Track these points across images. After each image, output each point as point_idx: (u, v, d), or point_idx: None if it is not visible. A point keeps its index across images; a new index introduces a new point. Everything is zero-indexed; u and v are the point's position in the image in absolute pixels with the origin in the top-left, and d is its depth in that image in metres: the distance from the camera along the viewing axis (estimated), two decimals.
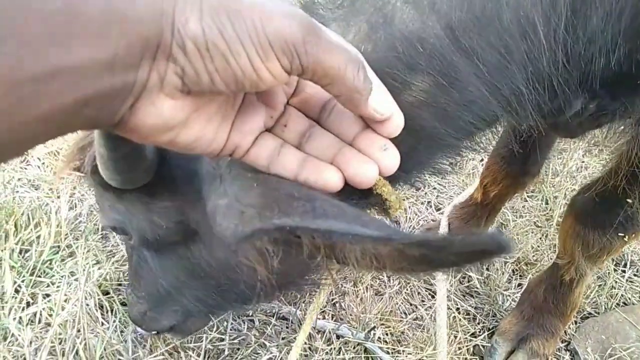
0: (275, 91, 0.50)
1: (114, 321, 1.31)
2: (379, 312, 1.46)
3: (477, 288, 1.61)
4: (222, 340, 1.33)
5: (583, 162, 2.11)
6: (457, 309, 1.52)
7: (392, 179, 0.54)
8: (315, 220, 0.45)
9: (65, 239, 1.48)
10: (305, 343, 1.35)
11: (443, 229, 1.62)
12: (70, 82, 0.34)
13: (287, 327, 1.40)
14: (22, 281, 1.36)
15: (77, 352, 1.21)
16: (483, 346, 1.46)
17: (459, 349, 1.41)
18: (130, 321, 1.30)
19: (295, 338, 1.35)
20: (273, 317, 1.41)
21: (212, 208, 0.56)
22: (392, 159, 0.49)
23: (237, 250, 0.65)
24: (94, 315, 1.30)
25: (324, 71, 0.42)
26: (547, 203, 1.94)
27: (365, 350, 1.38)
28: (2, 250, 1.39)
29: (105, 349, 1.23)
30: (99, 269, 1.40)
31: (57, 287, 1.36)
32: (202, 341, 1.31)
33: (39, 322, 1.29)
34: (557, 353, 1.48)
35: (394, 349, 1.39)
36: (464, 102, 0.65)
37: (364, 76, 0.45)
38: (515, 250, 1.72)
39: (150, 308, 0.98)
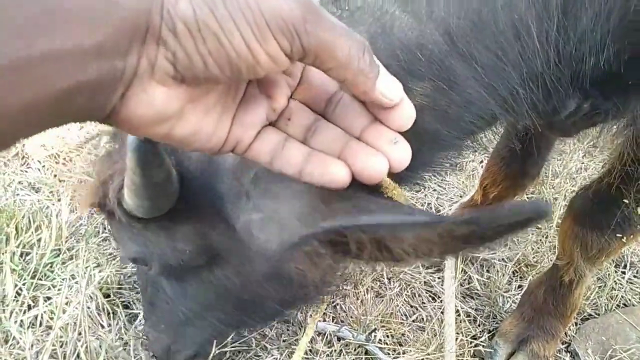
0: (277, 83, 0.47)
1: (116, 324, 1.31)
2: (379, 314, 1.46)
3: (477, 290, 1.62)
4: (224, 343, 1.33)
5: (583, 163, 2.12)
6: (458, 310, 1.52)
7: (398, 179, 0.54)
8: (361, 217, 0.45)
9: (66, 241, 1.48)
10: (306, 345, 1.35)
11: None
12: (55, 70, 0.32)
13: (288, 330, 1.40)
14: (23, 284, 1.36)
15: (78, 355, 1.21)
16: (483, 347, 1.46)
17: (461, 350, 1.41)
18: (129, 324, 1.31)
19: (296, 340, 1.35)
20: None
21: (244, 225, 0.57)
22: (403, 153, 0.45)
23: (283, 260, 0.63)
24: (96, 318, 1.30)
25: (328, 53, 0.39)
26: None
27: (366, 352, 1.38)
28: (3, 253, 1.39)
29: (106, 352, 1.23)
30: (100, 271, 1.40)
31: (58, 290, 1.36)
32: None
33: (40, 325, 1.29)
34: (558, 355, 1.48)
35: (394, 351, 1.39)
36: (464, 104, 0.67)
37: (370, 59, 0.42)
38: (515, 251, 1.72)
39: (173, 340, 0.98)
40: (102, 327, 1.30)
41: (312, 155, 0.46)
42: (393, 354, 1.38)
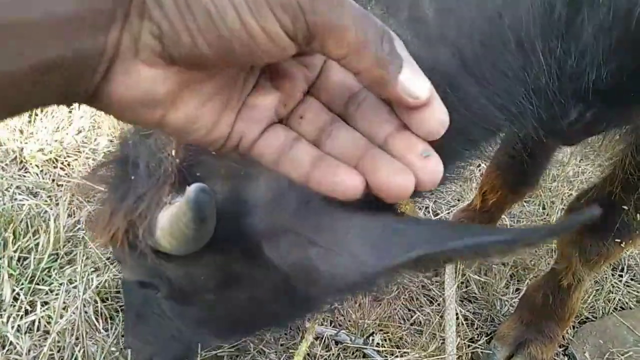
0: (291, 74, 0.42)
1: (114, 329, 1.31)
2: (377, 317, 1.46)
3: (475, 293, 1.62)
4: (221, 346, 1.33)
5: (580, 167, 2.13)
6: (456, 314, 1.53)
7: None
8: (448, 242, 0.46)
9: (64, 246, 1.48)
10: (306, 350, 1.35)
11: None
12: (25, 44, 0.29)
13: (286, 334, 1.40)
14: (21, 289, 1.35)
15: None
16: (481, 350, 1.46)
17: (459, 353, 1.41)
18: None
19: (294, 344, 1.35)
20: None
21: (299, 259, 0.57)
22: (434, 169, 0.38)
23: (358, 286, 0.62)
24: (93, 322, 1.30)
25: (338, 36, 0.33)
26: (544, 208, 1.95)
27: (364, 355, 1.38)
28: (0, 258, 1.39)
29: (104, 357, 1.23)
30: (97, 276, 1.40)
31: (56, 294, 1.36)
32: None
33: (38, 330, 1.29)
34: (555, 358, 1.48)
35: (392, 354, 1.39)
36: (472, 118, 0.69)
37: (391, 47, 0.35)
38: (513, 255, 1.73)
39: (157, 350, 1.00)
40: (100, 331, 1.29)
41: (322, 160, 0.40)
42: (391, 358, 1.38)
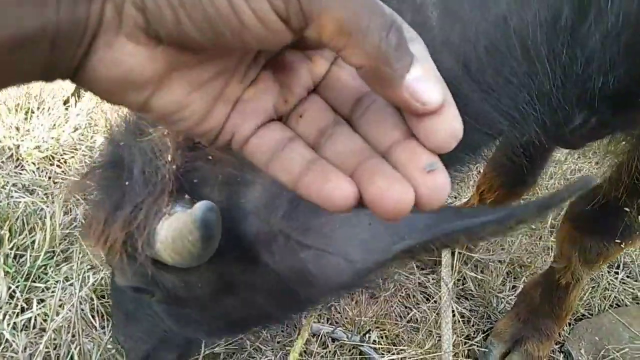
0: (295, 68, 0.39)
1: (110, 326, 1.31)
2: (374, 315, 1.46)
3: (471, 290, 1.62)
4: (217, 344, 1.33)
5: (577, 165, 2.13)
6: (452, 311, 1.53)
7: None
8: (431, 231, 0.46)
9: (60, 244, 1.48)
10: (301, 347, 1.35)
11: None
12: (1, 13, 0.27)
13: (282, 331, 1.40)
14: (17, 287, 1.35)
15: (72, 358, 1.21)
16: (477, 347, 1.46)
17: (455, 350, 1.42)
18: None
19: (290, 342, 1.35)
20: None
21: (292, 264, 0.58)
22: (438, 186, 0.33)
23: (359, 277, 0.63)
24: (89, 320, 1.30)
25: (336, 24, 0.30)
26: None
27: (361, 353, 1.38)
28: None
29: (100, 354, 1.23)
30: (94, 274, 1.40)
31: (52, 292, 1.36)
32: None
33: (34, 327, 1.29)
34: (551, 355, 1.49)
35: (389, 352, 1.39)
36: (475, 124, 0.69)
37: (398, 42, 0.31)
38: (509, 252, 1.73)
39: (152, 348, 0.98)
40: (96, 329, 1.29)
41: (315, 164, 0.36)
42: (387, 355, 1.39)
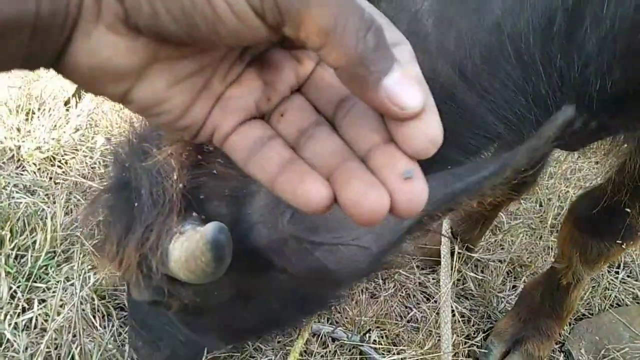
0: (280, 67, 0.38)
1: (111, 326, 1.31)
2: (374, 314, 1.46)
3: (471, 290, 1.62)
4: None
5: (577, 164, 2.13)
6: (452, 311, 1.53)
7: None
8: (434, 200, 0.47)
9: (61, 244, 1.48)
10: (301, 347, 1.36)
11: (445, 230, 1.63)
12: None
13: (283, 331, 1.40)
14: (18, 287, 1.36)
15: (72, 358, 1.21)
16: (477, 347, 1.46)
17: (455, 349, 1.42)
18: (124, 326, 1.31)
19: (291, 342, 1.35)
20: None
21: (308, 264, 0.59)
22: (413, 194, 0.32)
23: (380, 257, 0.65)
24: (90, 320, 1.31)
25: (313, 22, 0.29)
26: (541, 205, 1.96)
27: (361, 352, 1.39)
28: None
29: (101, 354, 1.23)
30: (94, 274, 1.40)
31: (53, 292, 1.36)
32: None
33: (35, 327, 1.29)
34: (551, 354, 1.49)
35: (389, 351, 1.40)
36: (472, 128, 0.70)
37: (377, 43, 0.30)
38: (510, 251, 1.73)
39: (170, 354, 1.00)
40: (97, 329, 1.30)
41: (292, 164, 0.35)
42: (388, 355, 1.39)
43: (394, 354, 1.39)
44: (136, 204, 0.70)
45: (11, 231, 1.45)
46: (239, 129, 0.38)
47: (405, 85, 0.31)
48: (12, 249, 1.42)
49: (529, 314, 1.46)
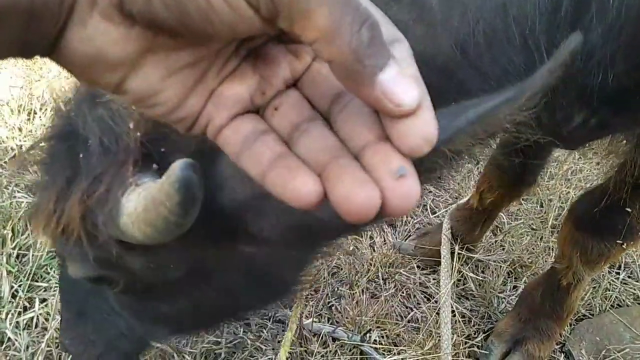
0: (276, 61, 0.38)
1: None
2: (374, 314, 1.47)
3: (472, 290, 1.62)
4: (218, 343, 1.33)
5: (578, 165, 2.13)
6: (453, 311, 1.53)
7: None
8: (444, 131, 0.43)
9: None
10: (301, 346, 1.36)
11: (446, 231, 1.63)
12: None
13: (283, 330, 1.40)
14: (20, 286, 1.36)
15: None
16: (478, 347, 1.46)
17: (455, 350, 1.42)
18: None
19: (291, 341, 1.36)
20: (269, 320, 1.42)
21: (294, 218, 0.55)
22: (405, 193, 0.31)
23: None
24: None
25: (305, 16, 0.29)
26: (541, 206, 1.96)
27: (361, 352, 1.39)
28: None
29: None
30: None
31: (54, 291, 1.36)
32: (197, 345, 1.31)
33: (36, 326, 1.30)
34: (552, 355, 1.49)
35: (389, 351, 1.40)
36: None
37: (372, 37, 0.30)
38: (510, 252, 1.73)
39: (104, 350, 0.91)
40: None
41: (283, 158, 0.35)
42: (388, 355, 1.39)
43: (394, 354, 1.39)
44: (82, 155, 0.60)
45: (13, 230, 1.46)
46: (233, 123, 0.38)
47: (401, 82, 0.31)
48: (14, 248, 1.43)
49: (530, 314, 1.46)
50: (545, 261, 1.72)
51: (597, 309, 1.61)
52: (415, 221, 1.85)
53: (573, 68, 0.69)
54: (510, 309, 1.55)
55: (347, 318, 1.46)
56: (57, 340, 1.24)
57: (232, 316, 0.94)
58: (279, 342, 1.38)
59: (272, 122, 0.38)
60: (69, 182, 0.60)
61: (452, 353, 1.32)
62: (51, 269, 1.42)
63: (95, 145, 0.59)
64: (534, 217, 1.91)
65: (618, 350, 1.45)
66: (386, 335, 1.44)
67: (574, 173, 2.09)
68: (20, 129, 1.85)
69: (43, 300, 1.35)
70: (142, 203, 0.51)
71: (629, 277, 1.74)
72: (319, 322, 1.43)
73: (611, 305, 1.62)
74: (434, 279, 1.62)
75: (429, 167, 0.55)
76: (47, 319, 1.30)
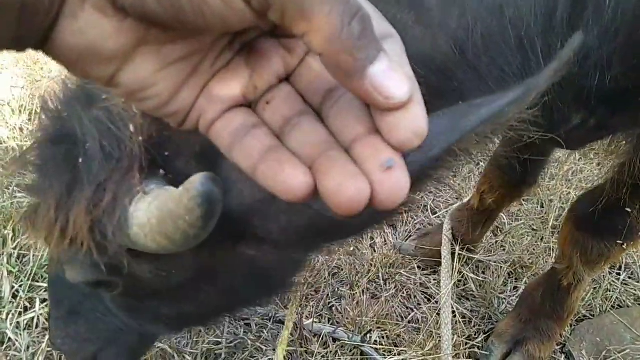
0: (268, 55, 0.38)
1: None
2: (375, 315, 1.47)
3: (473, 291, 1.62)
4: (219, 343, 1.34)
5: (578, 166, 2.13)
6: (453, 312, 1.53)
7: None
8: (454, 133, 0.43)
9: None
10: (302, 346, 1.36)
11: (446, 231, 1.63)
12: None
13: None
14: (20, 286, 1.36)
15: None
16: (478, 348, 1.46)
17: (456, 350, 1.42)
18: None
19: (292, 342, 1.36)
20: (270, 320, 1.42)
21: (306, 219, 0.54)
22: (394, 185, 0.32)
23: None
24: None
25: (297, 8, 0.29)
26: (542, 206, 1.96)
27: (362, 353, 1.39)
28: (0, 256, 1.40)
29: None
30: None
31: None
32: (198, 345, 1.31)
33: (37, 326, 1.30)
34: (553, 356, 1.49)
35: (390, 352, 1.40)
36: None
37: (362, 31, 0.30)
38: (511, 253, 1.73)
39: (100, 348, 0.89)
40: None
41: (274, 151, 0.35)
42: (388, 355, 1.39)
43: (394, 354, 1.39)
44: (81, 159, 0.57)
45: (14, 231, 1.46)
46: (224, 116, 0.38)
47: (392, 75, 0.31)
48: (15, 249, 1.43)
49: (530, 315, 1.46)
50: (546, 262, 1.72)
51: (598, 309, 1.60)
52: (415, 222, 1.85)
53: (573, 69, 0.69)
54: (510, 309, 1.55)
55: (347, 318, 1.46)
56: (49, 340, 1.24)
57: (230, 312, 0.93)
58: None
59: (264, 116, 0.38)
60: (69, 189, 0.58)
61: (452, 354, 1.32)
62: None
63: (95, 149, 0.57)
64: (535, 217, 1.91)
65: (619, 351, 1.45)
66: (387, 336, 1.44)
67: (574, 174, 2.09)
68: (21, 129, 1.86)
69: (44, 301, 1.35)
70: (156, 214, 0.49)
71: (629, 278, 1.73)
72: (320, 322, 1.43)
73: (612, 306, 1.62)
74: (434, 280, 1.62)
75: (445, 166, 0.55)
76: (47, 319, 1.30)
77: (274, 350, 1.35)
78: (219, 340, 1.34)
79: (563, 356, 1.50)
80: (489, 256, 1.73)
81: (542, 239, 1.81)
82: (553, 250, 1.76)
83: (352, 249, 1.62)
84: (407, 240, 1.75)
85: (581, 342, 1.50)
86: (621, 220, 1.16)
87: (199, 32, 0.35)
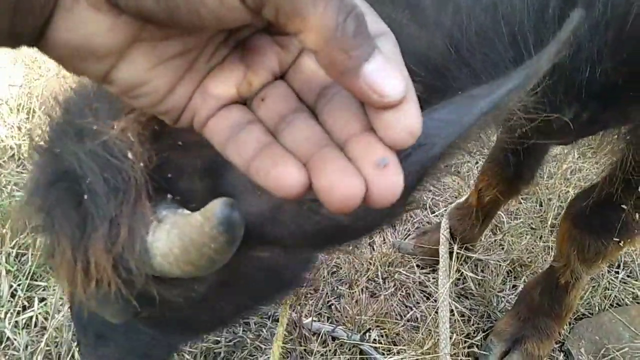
0: (263, 52, 0.38)
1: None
2: (374, 313, 1.47)
3: (471, 290, 1.62)
4: (218, 342, 1.33)
5: (577, 165, 2.13)
6: (452, 310, 1.53)
7: None
8: (457, 125, 0.43)
9: None
10: (301, 345, 1.36)
11: (444, 230, 1.63)
12: None
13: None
14: (19, 285, 1.36)
15: (72, 356, 1.22)
16: (477, 347, 1.47)
17: (455, 349, 1.42)
18: None
19: (290, 340, 1.36)
20: (268, 319, 1.42)
21: (315, 225, 0.54)
22: (388, 182, 0.32)
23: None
24: None
25: (291, 5, 0.29)
26: (541, 205, 1.96)
27: (361, 352, 1.39)
28: None
29: None
30: None
31: (53, 290, 1.36)
32: (197, 344, 1.31)
33: (35, 325, 1.29)
34: (551, 354, 1.49)
35: (389, 351, 1.40)
36: None
37: (358, 28, 0.30)
38: (510, 251, 1.73)
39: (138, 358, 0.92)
40: None
41: (267, 148, 0.35)
42: (387, 354, 1.39)
43: (393, 353, 1.39)
44: (86, 196, 0.56)
45: (12, 230, 1.46)
46: (219, 113, 0.38)
47: (386, 73, 0.31)
48: (13, 248, 1.43)
49: (529, 313, 1.46)
50: (545, 260, 1.73)
51: (596, 308, 1.61)
52: (414, 220, 1.85)
53: (565, 62, 0.69)
54: (509, 308, 1.55)
55: (346, 317, 1.46)
56: (56, 340, 1.24)
57: (250, 312, 0.97)
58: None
59: (258, 113, 0.38)
60: (80, 228, 0.56)
61: (451, 352, 1.32)
62: (50, 268, 1.42)
63: (98, 183, 0.55)
64: (534, 216, 1.91)
65: (617, 349, 1.46)
66: (385, 335, 1.44)
67: (573, 172, 2.10)
68: (19, 128, 1.85)
69: (42, 300, 1.35)
70: (178, 244, 0.49)
71: (628, 276, 1.74)
72: (319, 321, 1.43)
73: (610, 304, 1.62)
74: (433, 278, 1.62)
75: (446, 162, 0.55)
76: (46, 318, 1.30)
77: None
78: (218, 339, 1.34)
79: (562, 354, 1.50)
80: (488, 255, 1.73)
81: (540, 238, 1.81)
82: (552, 248, 1.76)
83: (350, 247, 1.62)
84: (406, 238, 1.75)
85: (580, 340, 1.50)
86: (616, 217, 1.16)
87: (194, 29, 0.35)
